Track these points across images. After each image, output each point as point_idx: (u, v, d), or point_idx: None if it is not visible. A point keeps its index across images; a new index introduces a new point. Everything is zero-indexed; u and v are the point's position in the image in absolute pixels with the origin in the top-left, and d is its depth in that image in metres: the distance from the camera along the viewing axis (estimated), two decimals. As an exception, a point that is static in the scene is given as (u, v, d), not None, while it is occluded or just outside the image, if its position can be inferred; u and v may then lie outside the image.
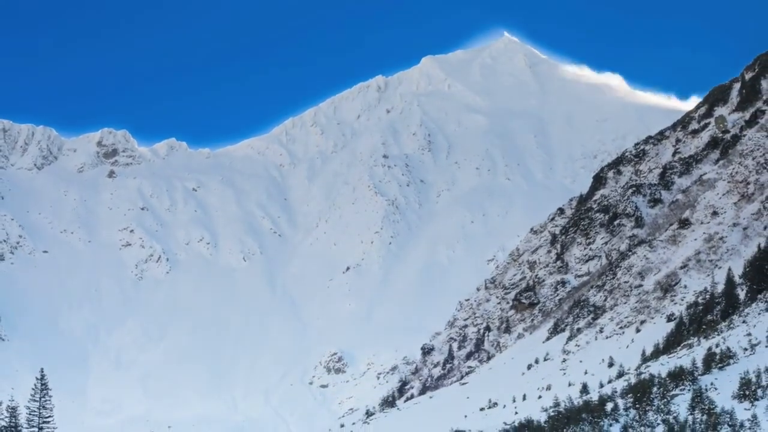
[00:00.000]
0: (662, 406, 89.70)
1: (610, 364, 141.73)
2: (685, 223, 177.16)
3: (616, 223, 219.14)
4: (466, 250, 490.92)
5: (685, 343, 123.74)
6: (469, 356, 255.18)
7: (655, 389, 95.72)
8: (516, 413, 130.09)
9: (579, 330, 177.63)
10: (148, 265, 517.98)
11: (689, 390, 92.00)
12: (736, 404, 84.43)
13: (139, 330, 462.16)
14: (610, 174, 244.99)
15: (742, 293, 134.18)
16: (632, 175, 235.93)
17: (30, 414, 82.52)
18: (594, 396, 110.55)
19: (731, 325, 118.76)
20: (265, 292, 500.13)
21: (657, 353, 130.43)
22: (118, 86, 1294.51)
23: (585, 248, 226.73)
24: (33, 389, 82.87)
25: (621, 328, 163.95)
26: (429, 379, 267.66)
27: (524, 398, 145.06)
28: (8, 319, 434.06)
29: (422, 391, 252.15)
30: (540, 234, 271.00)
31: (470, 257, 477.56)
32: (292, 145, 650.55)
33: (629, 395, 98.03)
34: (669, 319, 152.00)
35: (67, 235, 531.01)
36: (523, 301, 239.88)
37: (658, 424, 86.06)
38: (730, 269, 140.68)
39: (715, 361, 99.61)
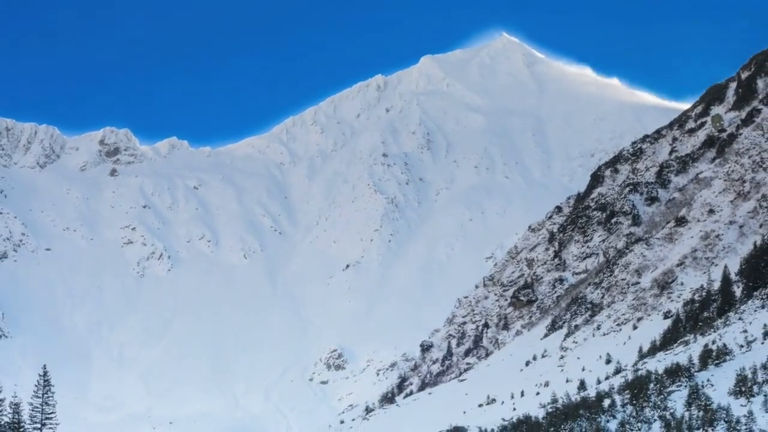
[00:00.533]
0: (659, 403, 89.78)
1: (608, 361, 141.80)
2: (681, 221, 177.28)
3: (613, 221, 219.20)
4: (465, 247, 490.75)
5: (682, 340, 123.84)
6: (467, 353, 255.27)
7: (651, 386, 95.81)
8: (514, 409, 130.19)
9: (576, 327, 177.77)
10: (150, 262, 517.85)
11: (686, 386, 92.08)
12: (732, 400, 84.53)
13: (141, 327, 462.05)
14: (608, 172, 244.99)
15: (738, 290, 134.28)
16: (629, 173, 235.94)
17: (33, 410, 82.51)
18: (591, 392, 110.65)
19: (727, 322, 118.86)
20: (266, 289, 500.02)
21: (654, 350, 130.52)
22: (120, 85, 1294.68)
23: (582, 246, 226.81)
24: (36, 386, 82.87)
25: (618, 325, 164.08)
26: (428, 376, 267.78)
27: (522, 394, 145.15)
28: (11, 316, 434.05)
29: (421, 388, 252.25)
30: (538, 232, 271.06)
31: (469, 255, 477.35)
32: (293, 144, 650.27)
33: (626, 391, 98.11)
34: (666, 316, 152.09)
35: (70, 232, 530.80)
36: (522, 298, 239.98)
37: (655, 420, 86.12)
38: (726, 267, 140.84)
39: (712, 357, 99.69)
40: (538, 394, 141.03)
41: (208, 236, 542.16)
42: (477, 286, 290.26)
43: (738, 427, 77.12)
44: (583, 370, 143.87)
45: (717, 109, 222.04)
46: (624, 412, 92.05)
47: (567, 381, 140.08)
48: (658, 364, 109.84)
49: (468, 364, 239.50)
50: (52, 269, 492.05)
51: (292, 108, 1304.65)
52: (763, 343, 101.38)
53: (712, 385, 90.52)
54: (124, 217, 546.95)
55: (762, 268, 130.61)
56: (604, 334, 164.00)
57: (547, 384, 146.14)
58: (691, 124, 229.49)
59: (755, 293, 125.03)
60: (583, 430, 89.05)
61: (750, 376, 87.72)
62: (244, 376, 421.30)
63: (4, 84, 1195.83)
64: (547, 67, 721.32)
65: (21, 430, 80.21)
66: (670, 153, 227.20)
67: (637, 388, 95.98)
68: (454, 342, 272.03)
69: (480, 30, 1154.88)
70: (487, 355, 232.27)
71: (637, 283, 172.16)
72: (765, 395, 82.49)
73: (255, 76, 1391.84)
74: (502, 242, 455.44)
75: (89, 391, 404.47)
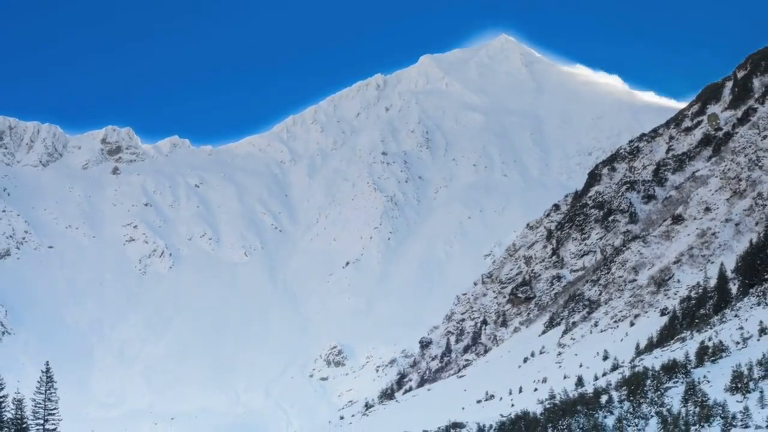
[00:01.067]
0: (656, 399, 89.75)
1: (605, 357, 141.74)
2: (678, 219, 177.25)
3: (610, 218, 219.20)
4: (464, 245, 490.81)
5: (679, 336, 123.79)
6: (466, 349, 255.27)
7: (648, 382, 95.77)
8: (512, 405, 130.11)
9: (574, 324, 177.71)
10: (152, 260, 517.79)
11: (682, 383, 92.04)
12: (729, 396, 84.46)
13: (143, 324, 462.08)
14: (605, 171, 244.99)
15: (734, 288, 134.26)
16: (626, 171, 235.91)
17: (35, 406, 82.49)
18: (589, 388, 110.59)
19: (723, 319, 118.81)
20: (266, 286, 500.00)
21: (651, 347, 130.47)
22: (122, 85, 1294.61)
23: (580, 243, 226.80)
24: (38, 382, 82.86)
25: (615, 321, 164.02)
26: (427, 372, 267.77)
27: (520, 391, 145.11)
28: (14, 313, 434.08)
29: (420, 384, 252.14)
30: (536, 229, 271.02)
31: (467, 252, 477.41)
32: (293, 143, 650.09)
33: (623, 388, 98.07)
34: (662, 313, 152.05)
35: (72, 230, 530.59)
36: (520, 295, 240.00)
37: (652, 416, 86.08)
38: (722, 264, 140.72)
39: (708, 354, 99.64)
40: (536, 390, 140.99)
41: (210, 234, 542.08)
42: (475, 284, 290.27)
43: (734, 423, 77.07)
44: (581, 366, 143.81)
45: (713, 108, 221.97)
46: (621, 408, 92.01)
47: (565, 377, 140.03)
48: (655, 360, 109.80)
49: (466, 360, 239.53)
50: (54, 267, 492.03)
51: (292, 107, 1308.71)
52: (759, 340, 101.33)
53: (709, 382, 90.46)
54: (126, 215, 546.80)
55: (758, 265, 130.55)
56: (602, 331, 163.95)
57: (544, 380, 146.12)
58: (687, 123, 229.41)
59: (751, 290, 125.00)
60: (581, 426, 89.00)
61: (746, 372, 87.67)
62: (245, 373, 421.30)
63: (7, 83, 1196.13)
64: (545, 67, 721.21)
65: (24, 426, 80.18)
66: (667, 151, 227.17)
67: (634, 385, 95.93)
68: (452, 339, 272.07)
69: (478, 30, 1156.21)
70: (486, 351, 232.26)
71: (634, 280, 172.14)
72: (761, 391, 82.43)
73: (256, 75, 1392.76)
74: (500, 240, 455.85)
75: (91, 388, 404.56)
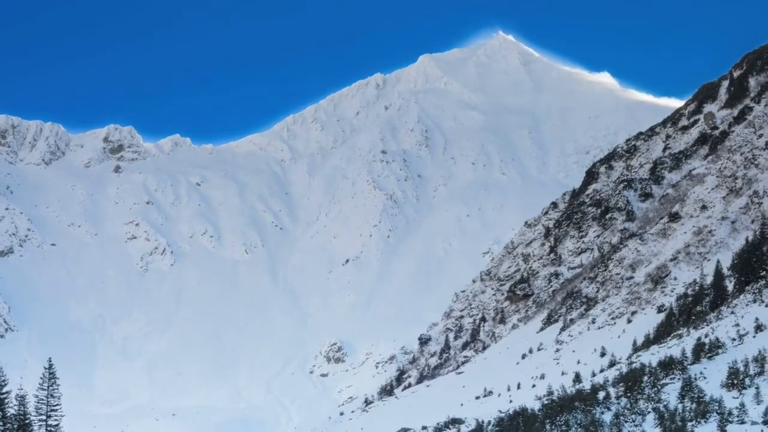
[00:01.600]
0: (653, 395, 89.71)
1: (602, 354, 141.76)
2: (675, 217, 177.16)
3: (607, 216, 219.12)
4: (462, 243, 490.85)
5: (675, 333, 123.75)
6: (465, 346, 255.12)
7: (645, 378, 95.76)
8: (510, 401, 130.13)
9: (572, 321, 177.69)
10: (153, 257, 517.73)
11: (679, 379, 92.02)
12: (725, 393, 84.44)
13: (145, 320, 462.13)
14: (602, 169, 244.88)
15: (730, 285, 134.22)
16: (623, 170, 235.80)
17: (38, 402, 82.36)
18: (586, 385, 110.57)
19: (720, 316, 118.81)
20: (267, 283, 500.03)
21: (648, 343, 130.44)
22: (124, 84, 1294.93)
23: (578, 241, 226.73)
24: (41, 378, 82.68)
25: (613, 318, 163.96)
26: (426, 369, 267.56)
27: (519, 387, 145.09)
28: (17, 310, 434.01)
29: (419, 380, 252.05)
30: (534, 227, 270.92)
31: (466, 250, 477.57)
32: (293, 141, 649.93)
33: (621, 384, 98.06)
34: (659, 310, 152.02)
35: (75, 228, 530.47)
36: (518, 292, 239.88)
37: (649, 412, 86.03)
38: (718, 262, 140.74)
39: (704, 350, 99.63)
40: (534, 386, 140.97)
41: (211, 232, 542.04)
42: (474, 281, 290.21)
43: (730, 419, 77.04)
44: (578, 363, 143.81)
45: (710, 107, 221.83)
46: (618, 404, 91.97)
47: (562, 374, 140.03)
48: (652, 357, 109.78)
49: (465, 357, 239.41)
50: (57, 264, 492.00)
51: (292, 106, 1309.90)
52: (755, 337, 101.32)
53: (705, 378, 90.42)
54: (127, 213, 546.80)
55: (754, 262, 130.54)
56: (599, 328, 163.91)
57: (542, 377, 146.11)
58: (684, 122, 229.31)
59: (747, 287, 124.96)
60: (579, 421, 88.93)
61: (742, 368, 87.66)
62: (246, 369, 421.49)
63: (10, 82, 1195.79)
64: (542, 66, 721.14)
65: (26, 421, 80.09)
66: (664, 150, 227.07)
67: (632, 381, 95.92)
68: (451, 335, 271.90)
69: (477, 30, 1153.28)
70: (484, 348, 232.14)
71: (632, 277, 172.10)
72: (757, 388, 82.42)
73: (256, 74, 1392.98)
74: (498, 237, 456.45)
75: (93, 384, 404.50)
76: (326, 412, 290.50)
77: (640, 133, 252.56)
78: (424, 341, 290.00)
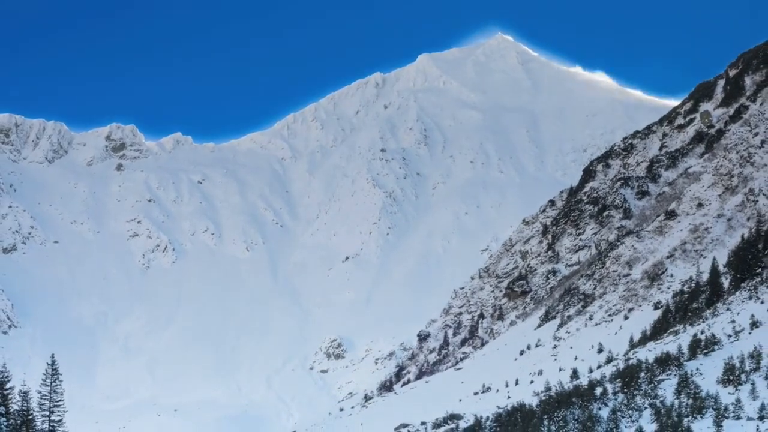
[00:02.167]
0: (649, 391, 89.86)
1: (600, 350, 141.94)
2: (671, 215, 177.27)
3: (605, 214, 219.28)
4: (461, 240, 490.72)
5: (672, 330, 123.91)
6: (463, 342, 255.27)
7: (642, 374, 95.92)
8: (509, 397, 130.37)
9: (569, 317, 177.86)
10: (155, 254, 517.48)
11: (675, 375, 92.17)
12: (721, 389, 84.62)
13: (147, 317, 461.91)
14: (599, 167, 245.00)
15: (726, 282, 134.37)
16: (620, 168, 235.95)
17: (41, 398, 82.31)
18: (584, 381, 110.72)
19: (716, 313, 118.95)
20: (268, 281, 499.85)
21: (644, 340, 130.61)
22: (126, 83, 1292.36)
23: (575, 239, 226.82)
24: (44, 374, 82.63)
25: (610, 315, 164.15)
26: (425, 365, 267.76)
27: (517, 383, 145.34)
28: (20, 307, 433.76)
29: (418, 376, 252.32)
30: (532, 225, 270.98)
31: (465, 247, 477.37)
32: (294, 140, 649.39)
33: (618, 380, 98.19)
34: (656, 306, 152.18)
35: (77, 226, 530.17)
36: (516, 289, 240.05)
37: (646, 407, 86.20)
38: (714, 259, 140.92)
39: (701, 347, 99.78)
40: (532, 382, 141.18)
41: (212, 229, 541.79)
42: (473, 278, 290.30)
43: (726, 415, 77.14)
44: (576, 359, 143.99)
45: (706, 106, 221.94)
46: (615, 400, 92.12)
47: (560, 370, 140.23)
48: (649, 353, 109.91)
49: (464, 353, 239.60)
50: (60, 261, 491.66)
51: (293, 105, 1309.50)
52: (750, 333, 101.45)
53: (701, 374, 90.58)
54: (129, 210, 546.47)
55: (749, 260, 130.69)
56: (596, 324, 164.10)
57: (540, 373, 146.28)
58: (680, 121, 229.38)
59: (743, 284, 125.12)
60: (576, 417, 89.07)
61: (738, 365, 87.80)
62: (247, 365, 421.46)
63: (13, 81, 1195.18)
64: (540, 66, 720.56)
65: (30, 417, 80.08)
66: (660, 148, 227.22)
67: (628, 377, 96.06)
68: (450, 332, 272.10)
69: (475, 29, 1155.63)
70: (483, 344, 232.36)
71: (628, 274, 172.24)
72: (752, 383, 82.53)
73: (257, 73, 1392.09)
74: (497, 235, 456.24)
75: (96, 380, 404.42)
76: (326, 408, 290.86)
77: (637, 132, 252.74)
78: (423, 338, 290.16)
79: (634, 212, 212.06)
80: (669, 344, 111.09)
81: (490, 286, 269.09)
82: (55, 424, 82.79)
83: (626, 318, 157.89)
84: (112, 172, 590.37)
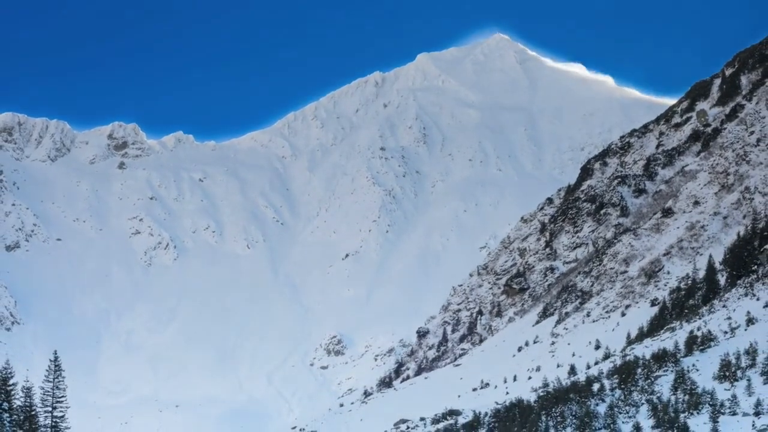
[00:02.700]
0: (646, 387, 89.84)
1: (597, 347, 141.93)
2: (668, 212, 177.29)
3: (602, 212, 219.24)
4: (460, 237, 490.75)
5: (668, 326, 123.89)
6: (462, 339, 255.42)
7: (639, 370, 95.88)
8: (507, 393, 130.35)
9: (567, 314, 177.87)
10: (157, 252, 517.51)
11: (672, 371, 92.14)
12: (717, 385, 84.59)
13: (148, 314, 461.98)
14: (597, 165, 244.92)
15: (722, 279, 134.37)
16: (618, 166, 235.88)
17: (44, 394, 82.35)
18: (581, 377, 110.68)
19: (712, 310, 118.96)
20: (268, 278, 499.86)
21: (641, 336, 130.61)
22: (128, 82, 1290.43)
23: (573, 236, 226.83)
24: (47, 370, 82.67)
25: (607, 312, 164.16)
26: (424, 361, 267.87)
27: (515, 379, 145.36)
28: (23, 303, 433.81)
29: (418, 373, 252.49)
30: (530, 222, 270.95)
31: (463, 245, 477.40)
32: (294, 138, 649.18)
33: (615, 376, 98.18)
34: (653, 303, 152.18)
35: (80, 223, 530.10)
36: (514, 286, 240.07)
37: (642, 403, 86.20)
38: (711, 256, 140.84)
39: (697, 343, 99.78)
40: (530, 378, 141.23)
41: (213, 227, 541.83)
42: (471, 275, 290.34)
43: (722, 411, 77.16)
44: (573, 355, 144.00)
45: (702, 105, 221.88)
46: (613, 395, 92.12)
47: (558, 366, 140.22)
48: (646, 349, 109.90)
49: (462, 349, 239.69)
50: (62, 258, 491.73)
51: (293, 103, 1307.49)
52: (746, 330, 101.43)
53: (698, 370, 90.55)
54: (131, 208, 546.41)
55: (745, 257, 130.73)
56: (594, 321, 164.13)
57: (538, 369, 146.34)
58: (677, 119, 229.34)
59: (739, 282, 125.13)
60: (574, 413, 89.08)
61: (734, 361, 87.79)
62: (248, 362, 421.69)
63: (16, 80, 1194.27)
64: (538, 65, 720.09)
65: (33, 413, 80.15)
66: (657, 147, 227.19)
67: (626, 373, 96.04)
68: (449, 328, 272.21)
69: (474, 29, 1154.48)
70: (481, 341, 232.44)
71: (625, 271, 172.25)
72: (748, 380, 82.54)
73: (258, 73, 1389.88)
74: (495, 232, 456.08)
75: (98, 376, 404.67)
76: (326, 404, 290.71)
77: (634, 131, 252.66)
78: (422, 334, 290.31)
79: (631, 210, 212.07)
80: (666, 341, 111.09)
81: (489, 283, 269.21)
82: (58, 420, 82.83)
83: (623, 315, 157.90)
84: (114, 170, 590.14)
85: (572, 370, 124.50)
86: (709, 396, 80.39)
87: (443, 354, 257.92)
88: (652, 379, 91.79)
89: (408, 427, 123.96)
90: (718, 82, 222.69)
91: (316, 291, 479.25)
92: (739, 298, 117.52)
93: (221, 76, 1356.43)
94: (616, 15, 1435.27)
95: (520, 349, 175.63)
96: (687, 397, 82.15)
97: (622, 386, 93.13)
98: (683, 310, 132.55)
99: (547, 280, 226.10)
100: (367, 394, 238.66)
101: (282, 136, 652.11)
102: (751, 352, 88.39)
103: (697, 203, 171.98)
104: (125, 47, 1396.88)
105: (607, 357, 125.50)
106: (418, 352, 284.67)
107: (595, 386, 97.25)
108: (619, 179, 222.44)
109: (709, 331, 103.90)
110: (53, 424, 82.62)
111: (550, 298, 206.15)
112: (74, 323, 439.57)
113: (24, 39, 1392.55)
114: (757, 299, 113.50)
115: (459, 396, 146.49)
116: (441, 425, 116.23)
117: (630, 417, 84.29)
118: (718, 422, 74.26)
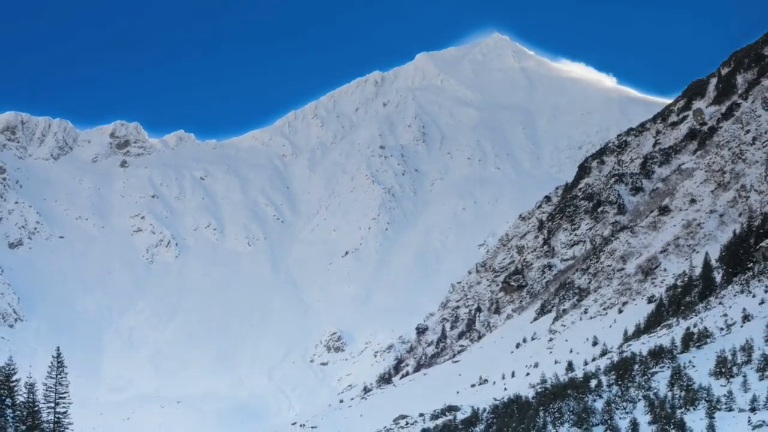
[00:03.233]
0: (643, 383, 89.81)
1: (594, 343, 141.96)
2: (664, 210, 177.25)
3: (599, 210, 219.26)
4: (458, 235, 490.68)
5: (665, 323, 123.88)
6: (461, 336, 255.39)
7: (636, 367, 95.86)
8: (505, 389, 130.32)
9: (565, 311, 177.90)
10: (158, 249, 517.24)
11: (668, 367, 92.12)
12: (713, 381, 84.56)
13: (150, 311, 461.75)
14: (594, 164, 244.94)
15: (718, 276, 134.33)
16: (615, 164, 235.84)
17: (47, 390, 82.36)
18: (579, 373, 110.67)
19: (708, 307, 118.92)
20: (269, 275, 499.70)
21: (638, 333, 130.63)
22: (131, 81, 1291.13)
23: (570, 234, 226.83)
24: (50, 367, 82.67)
25: (604, 309, 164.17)
26: (423, 358, 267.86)
27: (513, 375, 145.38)
28: (26, 300, 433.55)
29: (417, 369, 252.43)
30: (528, 220, 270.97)
31: (462, 242, 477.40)
32: (294, 137, 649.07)
33: (612, 372, 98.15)
34: (649, 300, 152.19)
35: (82, 221, 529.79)
36: (512, 283, 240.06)
37: (639, 399, 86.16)
38: (707, 254, 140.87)
39: (693, 340, 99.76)
40: (528, 374, 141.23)
41: (214, 225, 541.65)
42: (470, 272, 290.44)
43: (718, 407, 77.14)
44: (571, 352, 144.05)
45: (698, 104, 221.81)
46: (610, 391, 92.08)
47: (555, 362, 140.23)
48: (643, 346, 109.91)
49: (461, 346, 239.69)
50: (65, 256, 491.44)
51: (293, 102, 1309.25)
52: (742, 327, 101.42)
53: (694, 367, 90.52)
54: (133, 206, 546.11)
55: (741, 255, 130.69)
56: (591, 318, 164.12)
57: (536, 365, 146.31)
58: (673, 118, 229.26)
59: (735, 279, 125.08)
60: (571, 409, 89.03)
61: (730, 357, 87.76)
62: (248, 358, 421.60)
63: (19, 79, 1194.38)
64: (536, 64, 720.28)
65: (35, 409, 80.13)
66: (654, 145, 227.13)
67: (623, 369, 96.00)
68: (448, 325, 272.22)
69: (473, 28, 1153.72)
70: (480, 337, 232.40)
71: (623, 269, 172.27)
72: (744, 376, 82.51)
73: (258, 72, 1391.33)
74: (493, 230, 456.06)
75: (100, 372, 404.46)
76: (326, 400, 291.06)
77: (631, 129, 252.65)
78: (421, 331, 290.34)
79: (628, 208, 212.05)
80: (662, 337, 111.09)
81: (487, 280, 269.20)
82: (60, 416, 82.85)
83: (620, 311, 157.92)
84: (117, 168, 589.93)
85: (570, 367, 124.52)
86: (705, 392, 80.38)
87: (442, 350, 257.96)
88: (649, 376, 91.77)
89: (407, 423, 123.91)
90: (714, 81, 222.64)
91: (317, 288, 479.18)
92: (735, 295, 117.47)
93: (222, 75, 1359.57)
94: (613, 15, 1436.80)
95: (518, 345, 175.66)
96: (683, 393, 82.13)
97: (619, 382, 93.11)
98: (680, 307, 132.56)
99: (545, 278, 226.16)
100: (366, 390, 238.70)
101: (282, 134, 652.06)
102: (747, 349, 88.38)
103: (693, 201, 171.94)
104: (127, 47, 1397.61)
105: (604, 353, 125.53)
106: (417, 349, 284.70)
107: (593, 382, 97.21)
108: (617, 177, 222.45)
109: (706, 328, 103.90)
110: (56, 420, 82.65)
111: (548, 295, 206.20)
112: (76, 320, 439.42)
113: (27, 38, 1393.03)
114: (753, 296, 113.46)
115: (457, 392, 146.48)
116: (440, 421, 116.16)
117: (627, 413, 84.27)
118: (714, 418, 74.22)
